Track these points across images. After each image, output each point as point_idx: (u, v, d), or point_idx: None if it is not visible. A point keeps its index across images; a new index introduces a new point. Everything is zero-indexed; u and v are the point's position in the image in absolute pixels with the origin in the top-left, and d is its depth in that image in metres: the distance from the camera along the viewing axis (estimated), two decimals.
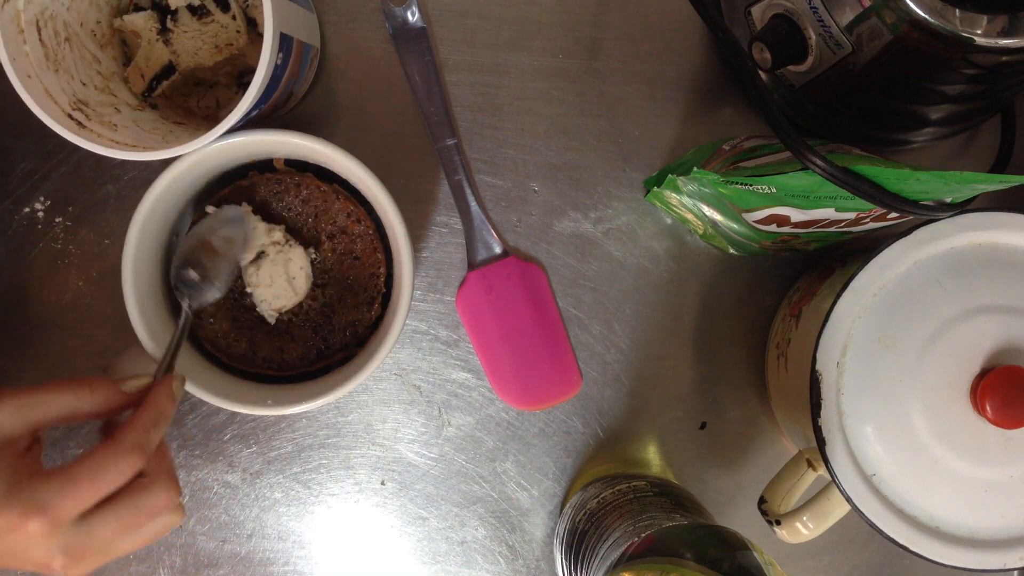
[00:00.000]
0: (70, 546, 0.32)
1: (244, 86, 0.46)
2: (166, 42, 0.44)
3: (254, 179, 0.45)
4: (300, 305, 0.45)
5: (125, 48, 0.45)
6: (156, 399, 0.36)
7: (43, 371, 0.49)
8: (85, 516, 0.32)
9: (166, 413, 0.36)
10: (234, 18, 0.44)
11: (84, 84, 0.41)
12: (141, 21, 0.44)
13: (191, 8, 0.44)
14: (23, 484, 0.31)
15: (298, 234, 0.45)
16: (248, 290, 0.45)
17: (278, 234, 0.44)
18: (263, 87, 0.38)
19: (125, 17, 0.44)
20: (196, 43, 0.44)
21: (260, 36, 0.45)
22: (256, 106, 0.39)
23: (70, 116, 0.39)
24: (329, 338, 0.45)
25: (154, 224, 0.42)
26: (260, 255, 0.44)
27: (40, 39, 0.39)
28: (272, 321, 0.45)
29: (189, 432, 0.50)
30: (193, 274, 0.41)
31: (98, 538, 0.32)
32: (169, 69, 0.45)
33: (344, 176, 0.44)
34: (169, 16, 0.44)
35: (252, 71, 0.37)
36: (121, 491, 0.33)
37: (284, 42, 0.39)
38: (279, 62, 0.39)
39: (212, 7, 0.44)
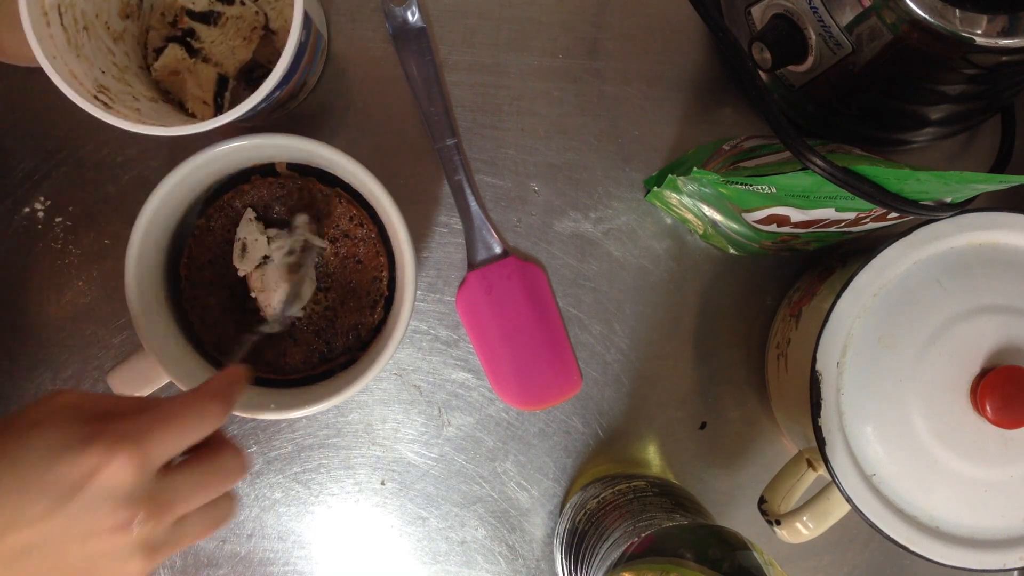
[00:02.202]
0: (153, 495, 0.30)
1: (254, 81, 0.46)
2: (205, 60, 0.45)
3: (256, 183, 0.45)
4: (303, 309, 0.45)
5: (144, 51, 0.46)
6: (233, 370, 0.34)
7: (43, 371, 0.49)
8: (166, 471, 0.30)
9: (240, 384, 0.34)
10: (243, 3, 0.44)
11: (103, 72, 0.42)
12: (172, 58, 0.45)
13: (203, 18, 0.44)
14: (107, 420, 0.29)
15: None
16: (253, 295, 0.45)
17: (282, 239, 0.44)
18: (291, 62, 0.38)
19: (156, 65, 0.45)
20: (227, 45, 0.45)
21: (267, 30, 0.46)
22: (279, 86, 0.40)
23: (96, 97, 0.39)
24: (332, 342, 0.45)
25: (157, 227, 0.42)
26: (265, 260, 0.44)
27: (62, 24, 0.40)
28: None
29: None
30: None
31: (180, 494, 0.30)
32: (223, 79, 0.45)
33: (346, 180, 0.44)
34: (190, 39, 0.45)
35: (261, 66, 0.38)
36: (198, 449, 0.32)
37: (306, 22, 0.40)
38: (303, 39, 0.39)
39: (220, 6, 0.44)
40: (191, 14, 0.45)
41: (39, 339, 0.49)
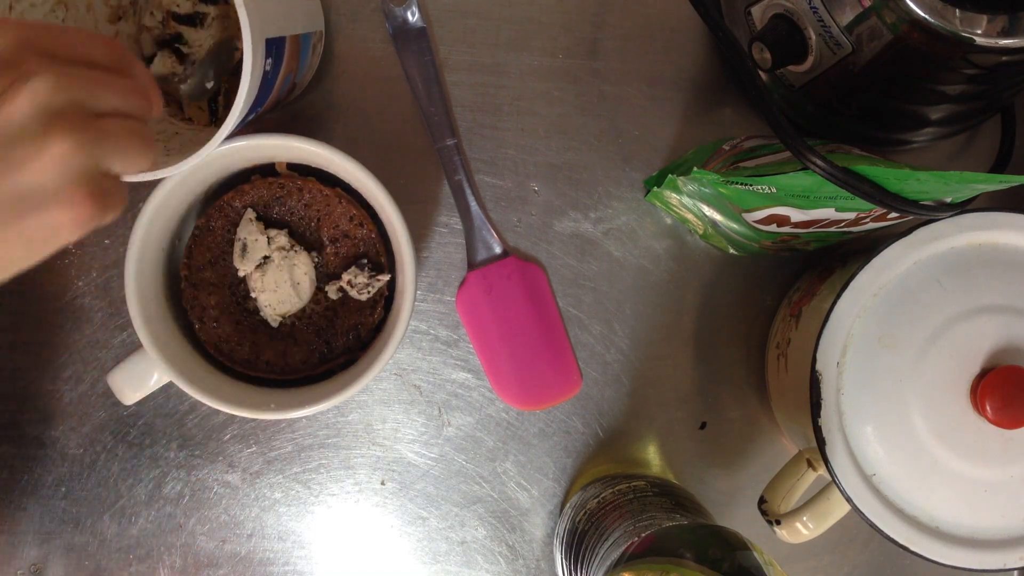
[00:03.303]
0: (36, 48, 0.28)
1: None
2: (193, 64, 0.44)
3: (256, 183, 0.45)
4: (303, 309, 0.45)
5: (140, 55, 0.45)
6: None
7: (43, 371, 0.49)
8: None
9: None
10: (227, 2, 0.44)
11: None
12: (162, 66, 0.44)
13: (189, 21, 0.44)
14: None
15: (301, 238, 0.45)
16: (253, 295, 0.45)
17: (282, 239, 0.44)
18: (249, 102, 0.37)
19: None
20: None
21: None
22: (252, 109, 0.39)
23: None
24: (332, 342, 0.45)
25: (156, 228, 0.42)
26: (265, 260, 0.44)
27: None
28: (275, 325, 0.45)
29: (189, 432, 0.50)
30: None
31: (79, 69, 0.29)
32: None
33: (346, 180, 0.44)
34: (179, 45, 0.44)
35: None
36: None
37: (272, 46, 0.38)
38: (268, 68, 0.38)
39: (203, 7, 0.44)
40: (176, 17, 0.44)
41: (39, 339, 0.49)
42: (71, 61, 0.29)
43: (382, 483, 0.51)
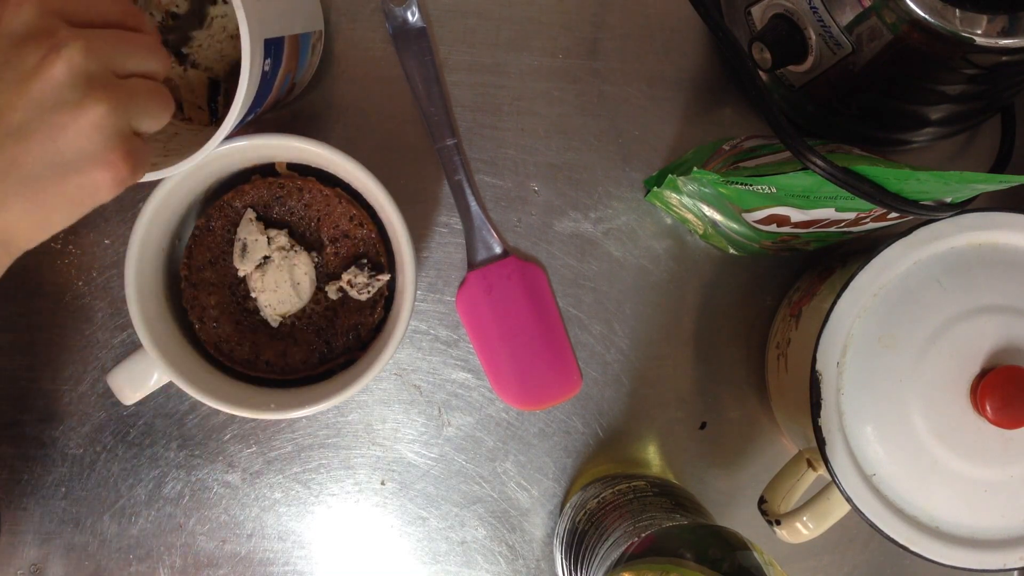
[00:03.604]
0: (67, 16, 0.29)
1: None
2: (194, 66, 0.44)
3: (256, 183, 0.45)
4: (303, 309, 0.45)
5: None
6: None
7: (43, 371, 0.49)
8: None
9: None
10: (226, 1, 0.44)
11: None
12: None
13: (188, 21, 0.43)
14: None
15: (301, 238, 0.45)
16: (253, 295, 0.45)
17: (283, 239, 0.44)
18: (248, 102, 0.37)
19: None
20: (216, 47, 0.44)
21: None
22: (251, 110, 0.39)
23: None
24: (332, 342, 0.45)
25: (157, 227, 0.42)
26: (265, 260, 0.44)
27: None
28: (275, 325, 0.45)
29: (189, 432, 0.50)
30: None
31: (99, 33, 0.30)
32: (215, 84, 0.45)
33: (346, 180, 0.44)
34: (179, 45, 0.44)
35: None
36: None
37: (271, 47, 0.38)
38: (267, 68, 0.38)
39: (204, 6, 0.44)
40: (175, 17, 0.44)
41: (39, 339, 0.49)
42: (91, 23, 0.30)
43: (382, 483, 0.51)
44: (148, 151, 0.32)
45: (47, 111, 0.29)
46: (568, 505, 0.49)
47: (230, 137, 0.39)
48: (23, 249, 0.32)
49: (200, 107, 0.45)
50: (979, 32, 0.35)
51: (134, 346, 0.44)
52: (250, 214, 0.44)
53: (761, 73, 0.46)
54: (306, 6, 0.44)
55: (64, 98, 0.29)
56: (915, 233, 0.41)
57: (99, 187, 0.30)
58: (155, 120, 0.32)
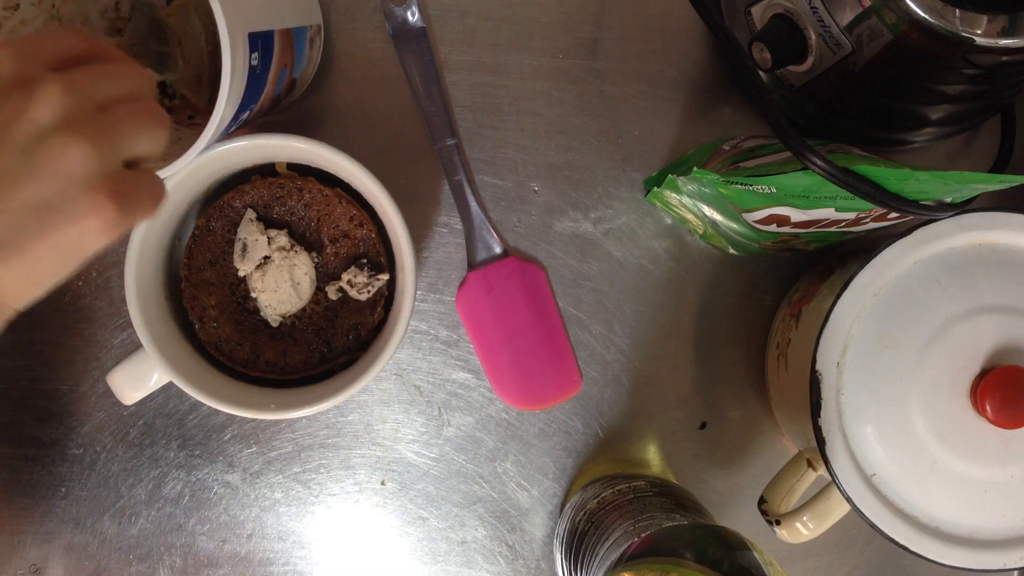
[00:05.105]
0: (49, 64, 0.29)
1: None
2: (184, 59, 0.44)
3: (256, 183, 0.45)
4: (303, 309, 0.45)
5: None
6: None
7: (43, 371, 0.49)
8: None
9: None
10: None
11: None
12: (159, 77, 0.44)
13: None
14: None
15: (301, 238, 0.45)
16: (253, 295, 0.45)
17: (283, 239, 0.44)
18: (235, 97, 0.36)
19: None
20: (195, 44, 0.44)
21: None
22: (245, 106, 0.38)
23: None
24: (332, 342, 0.45)
25: (156, 229, 0.42)
26: (265, 260, 0.44)
27: None
28: (275, 325, 0.45)
29: (189, 432, 0.50)
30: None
31: (83, 71, 0.29)
32: (199, 76, 0.44)
33: (347, 180, 0.44)
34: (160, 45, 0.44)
35: None
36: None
37: (257, 40, 0.37)
38: (255, 63, 0.37)
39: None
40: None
41: (39, 339, 0.49)
42: (62, 62, 0.29)
43: (382, 483, 0.51)
44: (152, 184, 0.31)
45: (28, 155, 0.27)
46: (568, 505, 0.49)
47: (230, 137, 0.39)
48: (15, 309, 0.30)
49: (200, 97, 0.44)
50: (979, 32, 0.35)
51: (134, 346, 0.44)
52: (250, 214, 0.44)
53: (761, 73, 0.46)
54: (298, 2, 0.43)
55: (44, 141, 0.28)
56: (915, 233, 0.41)
57: (86, 233, 0.28)
58: (151, 138, 0.30)
